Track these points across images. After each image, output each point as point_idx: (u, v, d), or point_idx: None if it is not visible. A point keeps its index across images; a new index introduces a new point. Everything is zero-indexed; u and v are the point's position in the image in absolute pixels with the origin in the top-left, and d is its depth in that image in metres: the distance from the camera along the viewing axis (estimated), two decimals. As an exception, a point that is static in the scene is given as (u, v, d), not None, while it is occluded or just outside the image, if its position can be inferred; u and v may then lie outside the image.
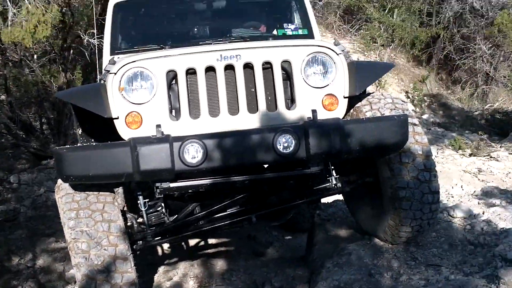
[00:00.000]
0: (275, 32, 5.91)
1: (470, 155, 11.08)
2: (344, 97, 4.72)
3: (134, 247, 4.90)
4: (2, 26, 9.03)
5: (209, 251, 6.73)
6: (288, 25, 5.93)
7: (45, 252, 7.16)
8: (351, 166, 5.28)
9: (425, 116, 17.31)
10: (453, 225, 5.85)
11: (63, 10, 10.16)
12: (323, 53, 4.68)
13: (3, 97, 11.06)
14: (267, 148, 4.25)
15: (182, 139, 4.19)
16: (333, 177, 4.99)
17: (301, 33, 5.85)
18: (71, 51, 11.34)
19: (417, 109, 17.51)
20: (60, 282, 6.47)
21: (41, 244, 7.38)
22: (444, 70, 21.06)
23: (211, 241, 6.90)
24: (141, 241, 5.01)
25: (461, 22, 19.83)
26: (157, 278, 5.99)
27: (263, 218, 5.40)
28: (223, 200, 5.11)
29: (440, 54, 20.40)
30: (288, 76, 4.69)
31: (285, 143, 4.25)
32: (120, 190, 5.10)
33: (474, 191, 7.89)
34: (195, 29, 6.04)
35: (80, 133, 5.13)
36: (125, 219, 4.94)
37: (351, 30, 20.48)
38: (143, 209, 4.77)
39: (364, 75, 4.84)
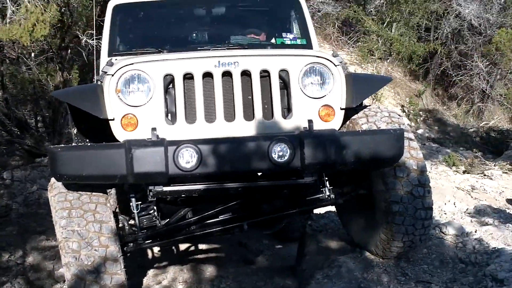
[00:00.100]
0: (273, 40, 5.93)
1: (464, 172, 11.12)
2: (341, 109, 4.73)
3: (125, 249, 4.88)
4: (0, 23, 9.02)
5: (199, 256, 6.70)
6: (286, 34, 5.95)
7: (35, 250, 7.13)
8: (345, 178, 5.27)
9: (420, 131, 17.36)
10: (445, 242, 5.85)
11: (62, 10, 10.15)
12: (321, 63, 4.70)
13: (-1, 93, 11.04)
14: (262, 156, 4.24)
15: (177, 143, 4.19)
16: (326, 188, 5.00)
17: (300, 43, 5.86)
18: (69, 50, 11.31)
19: (412, 124, 17.56)
20: (49, 281, 6.44)
21: (31, 242, 7.35)
22: (441, 86, 21.16)
23: (202, 246, 6.88)
24: (132, 244, 4.99)
25: (459, 39, 20.02)
26: (146, 281, 5.96)
27: (255, 226, 5.39)
28: (215, 206, 5.08)
29: (437, 69, 20.53)
30: (285, 85, 4.70)
31: (280, 152, 4.25)
32: (112, 191, 5.07)
33: (467, 209, 7.90)
34: (194, 35, 6.06)
35: (75, 132, 5.12)
36: (117, 221, 4.92)
37: (349, 42, 20.57)
38: (135, 211, 4.76)
39: (361, 88, 4.85)
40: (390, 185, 4.84)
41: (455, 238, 5.93)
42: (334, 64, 4.71)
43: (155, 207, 4.95)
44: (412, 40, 19.08)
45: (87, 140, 5.07)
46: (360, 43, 19.66)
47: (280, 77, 4.67)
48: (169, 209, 5.15)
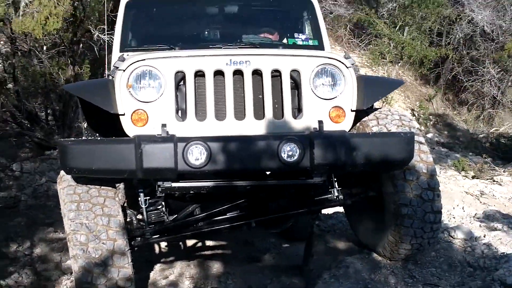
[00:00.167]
0: (285, 41, 5.93)
1: (473, 177, 11.07)
2: (352, 111, 4.75)
3: (132, 243, 4.88)
4: (13, 15, 9.06)
5: (206, 252, 6.70)
6: (298, 35, 5.96)
7: (43, 241, 7.16)
8: (355, 179, 5.26)
9: (429, 135, 17.31)
10: (453, 246, 5.83)
11: (75, 4, 10.21)
12: (333, 65, 4.72)
13: (10, 85, 11.06)
14: (272, 156, 4.25)
15: (187, 140, 4.20)
16: (335, 189, 4.97)
17: (312, 44, 5.87)
18: (81, 45, 11.36)
19: (422, 128, 17.51)
20: (56, 272, 6.46)
21: (39, 233, 7.38)
22: (451, 91, 21.08)
23: (209, 243, 6.88)
24: (139, 238, 4.99)
25: (471, 45, 19.94)
26: (153, 275, 5.97)
27: (263, 224, 5.40)
28: (224, 203, 5.09)
29: (448, 74, 20.44)
30: (296, 86, 4.72)
31: (289, 151, 4.26)
32: (121, 186, 5.08)
33: (476, 214, 7.87)
34: (206, 33, 6.08)
35: (85, 126, 5.13)
36: (125, 215, 4.95)
37: (360, 44, 20.50)
38: (143, 206, 4.76)
39: (372, 90, 4.87)
40: (400, 188, 4.83)
41: (463, 242, 5.90)
42: (346, 66, 4.73)
43: (163, 203, 4.95)
44: (424, 44, 18.99)
45: (97, 135, 5.09)
46: (371, 46, 19.59)
47: (291, 77, 4.68)
48: (177, 205, 5.15)
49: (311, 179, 4.60)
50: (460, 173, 11.18)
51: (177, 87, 4.60)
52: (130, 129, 4.54)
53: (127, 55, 4.99)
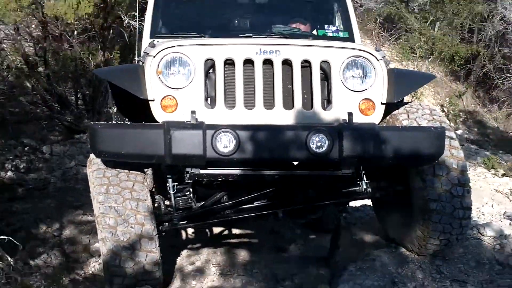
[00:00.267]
0: (315, 32, 5.89)
1: (503, 175, 10.92)
2: (382, 103, 4.72)
3: (160, 228, 4.91)
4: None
5: (233, 240, 6.71)
6: (329, 27, 5.93)
7: (72, 224, 7.24)
8: (383, 172, 5.22)
9: (459, 132, 17.13)
10: (482, 243, 5.75)
11: (106, -11, 10.28)
12: (364, 57, 4.70)
13: (41, 69, 11.19)
14: (300, 146, 4.24)
15: (216, 127, 4.20)
16: (363, 181, 4.94)
17: (342, 36, 5.82)
18: (111, 31, 11.44)
19: (452, 124, 17.30)
20: (85, 254, 6.54)
21: (68, 215, 7.47)
22: (482, 88, 20.81)
23: (235, 231, 6.89)
24: (167, 223, 5.02)
25: (503, 42, 19.63)
26: (179, 261, 6.00)
27: (290, 214, 5.40)
28: (251, 192, 5.09)
29: (479, 71, 20.18)
30: (326, 77, 4.70)
31: (318, 142, 4.23)
32: (149, 171, 5.11)
33: (505, 212, 7.74)
34: (236, 21, 6.05)
35: (114, 111, 5.17)
36: (153, 200, 4.97)
37: (390, 38, 20.39)
38: (171, 192, 4.78)
39: (403, 83, 4.84)
40: (429, 183, 4.78)
41: (493, 240, 5.82)
42: (377, 58, 4.70)
43: (191, 189, 4.98)
44: (455, 40, 18.84)
45: (126, 119, 5.12)
46: (401, 41, 19.47)
47: (321, 68, 4.66)
48: (205, 192, 5.17)
49: (340, 170, 4.58)
50: (489, 171, 11.04)
51: (207, 75, 4.61)
52: (160, 115, 4.55)
53: (157, 41, 5.00)
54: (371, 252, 5.46)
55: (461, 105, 19.05)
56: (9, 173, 8.96)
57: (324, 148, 4.24)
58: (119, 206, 4.59)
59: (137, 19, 8.72)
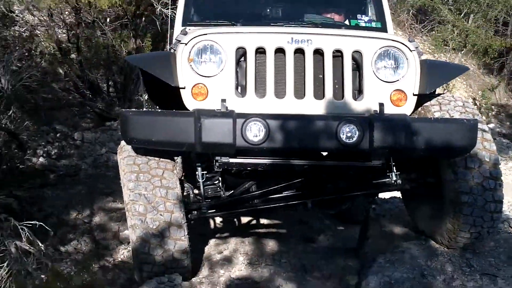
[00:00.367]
0: (347, 22, 5.84)
1: (535, 170, 10.76)
2: (414, 95, 4.68)
3: (189, 216, 4.94)
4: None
5: (261, 230, 6.73)
6: (361, 16, 5.87)
7: (102, 210, 7.33)
8: (414, 164, 5.16)
9: (491, 125, 16.89)
10: (514, 237, 5.68)
11: (139, -23, 10.33)
12: (396, 47, 4.65)
13: (73, 56, 11.29)
14: (330, 136, 4.21)
15: (246, 116, 4.19)
16: (393, 173, 4.89)
17: (374, 26, 5.77)
18: (143, 18, 11.49)
19: (484, 117, 17.04)
20: (114, 241, 6.63)
21: (98, 202, 7.56)
22: (515, 82, 20.49)
23: (263, 221, 6.91)
24: (195, 212, 5.04)
25: (538, 36, 19.30)
26: (207, 250, 6.03)
27: (318, 205, 5.37)
28: (280, 181, 5.08)
29: (513, 65, 19.87)
30: (357, 67, 4.67)
31: (348, 132, 4.20)
32: (179, 159, 5.13)
33: (536, 207, 7.66)
34: (268, 10, 6.03)
35: (145, 98, 5.19)
36: (182, 188, 4.98)
37: (422, 30, 20.15)
38: (200, 180, 4.79)
39: (436, 74, 4.79)
40: (460, 175, 4.71)
41: (524, 234, 5.75)
42: (409, 49, 4.66)
43: (220, 178, 4.99)
44: (489, 33, 18.59)
45: (157, 107, 5.14)
46: (434, 32, 19.24)
47: (353, 58, 4.64)
48: (234, 181, 5.18)
49: (370, 162, 4.55)
50: (521, 165, 10.92)
51: (238, 63, 4.60)
52: (190, 102, 4.56)
53: (189, 29, 4.99)
54: (400, 244, 5.42)
55: (494, 98, 18.80)
56: (41, 159, 9.08)
57: (354, 139, 4.20)
58: (149, 194, 4.61)
59: (169, 6, 8.77)
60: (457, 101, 4.98)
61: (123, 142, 4.83)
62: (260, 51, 4.58)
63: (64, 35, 11.42)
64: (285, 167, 4.65)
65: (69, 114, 11.08)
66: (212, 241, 6.26)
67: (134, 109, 4.84)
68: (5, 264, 5.40)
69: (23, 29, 10.88)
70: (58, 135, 10.02)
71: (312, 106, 4.54)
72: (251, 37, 4.59)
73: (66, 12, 11.27)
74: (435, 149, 4.39)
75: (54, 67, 11.08)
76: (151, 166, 4.74)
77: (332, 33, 4.72)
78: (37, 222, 5.71)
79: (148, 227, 4.59)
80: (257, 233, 6.52)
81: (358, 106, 4.58)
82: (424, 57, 5.02)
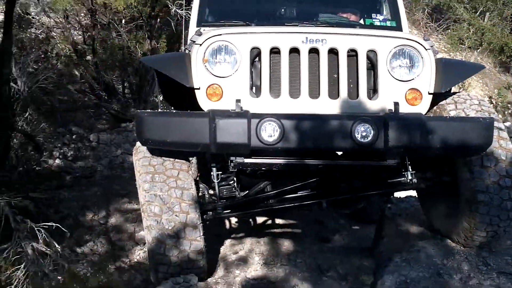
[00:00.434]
0: (362, 21, 5.83)
1: (551, 167, 10.64)
2: (429, 93, 4.66)
3: (204, 217, 4.94)
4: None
5: (276, 230, 6.72)
6: (376, 16, 5.86)
7: (117, 212, 7.35)
8: (429, 163, 5.14)
9: (507, 124, 16.71)
10: (531, 235, 5.64)
11: (154, -22, 10.38)
12: (411, 46, 4.64)
13: (89, 57, 11.36)
14: (345, 135, 4.21)
15: (261, 116, 4.19)
16: (409, 172, 4.88)
17: (389, 25, 5.75)
18: (158, 19, 11.55)
19: (500, 116, 16.97)
20: (130, 242, 6.64)
21: (114, 203, 7.58)
22: (532, 80, 20.31)
23: (278, 221, 6.90)
24: (211, 212, 5.04)
25: (554, 34, 19.12)
26: (223, 250, 6.03)
27: (333, 204, 5.36)
28: (295, 181, 5.08)
29: (529, 63, 19.72)
30: (372, 66, 4.66)
31: (363, 132, 4.20)
32: (194, 160, 5.14)
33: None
34: (282, 10, 6.04)
35: (160, 99, 5.21)
36: (198, 189, 4.99)
37: (438, 29, 20.03)
38: (215, 181, 4.80)
39: (451, 73, 4.76)
40: (476, 174, 4.70)
41: (541, 233, 5.70)
42: (425, 48, 4.64)
43: (235, 178, 4.99)
44: (505, 31, 18.51)
45: (172, 108, 5.16)
46: (450, 31, 19.14)
47: (368, 57, 4.62)
48: (249, 181, 5.18)
49: (385, 161, 4.53)
50: (538, 165, 10.77)
51: (252, 63, 4.61)
52: (205, 103, 4.58)
53: (204, 30, 5.01)
54: (416, 243, 5.41)
55: (510, 97, 18.65)
56: (57, 161, 9.15)
57: (369, 138, 4.20)
58: (164, 194, 4.62)
59: (184, 7, 8.79)
60: (472, 99, 4.98)
61: (138, 143, 4.86)
62: (275, 51, 4.59)
63: (80, 36, 11.50)
64: (300, 167, 4.64)
65: (85, 116, 11.15)
66: (227, 242, 6.26)
67: (149, 110, 4.85)
68: (22, 266, 5.45)
69: (39, 31, 10.99)
70: (74, 136, 10.09)
71: (327, 106, 4.53)
72: (265, 37, 4.59)
73: (82, 14, 11.36)
74: (451, 148, 4.37)
75: (70, 69, 11.17)
76: (167, 167, 4.75)
77: (347, 33, 4.72)
78: (53, 224, 5.76)
79: (163, 228, 4.60)
80: (273, 233, 6.51)
81: (373, 106, 4.58)
82: (439, 55, 5.00)
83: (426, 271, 4.90)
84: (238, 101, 4.38)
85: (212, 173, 4.79)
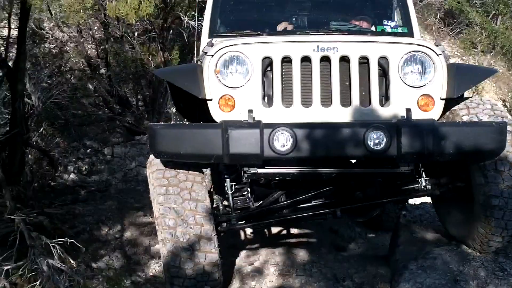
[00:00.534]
0: (373, 28, 5.82)
1: None
2: (441, 99, 4.63)
3: (219, 228, 4.94)
4: (107, 0, 9.33)
5: (291, 240, 6.70)
6: (387, 22, 5.86)
7: (132, 225, 7.35)
8: (443, 169, 5.12)
9: (521, 127, 16.64)
10: (547, 240, 5.58)
11: (166, -10, 10.44)
12: (423, 52, 4.61)
13: (103, 71, 11.43)
14: (358, 143, 4.20)
15: (273, 126, 4.19)
16: (423, 178, 4.88)
17: (401, 31, 5.75)
18: (171, 31, 11.62)
19: (514, 120, 16.84)
20: (146, 256, 6.63)
21: (129, 217, 7.58)
22: (546, 83, 20.17)
23: (293, 230, 6.88)
24: (225, 224, 5.04)
25: None
26: (238, 261, 6.02)
27: (348, 213, 5.36)
28: (309, 191, 5.07)
29: (542, 66, 19.59)
30: (384, 73, 4.63)
31: (376, 139, 4.19)
32: (207, 171, 5.15)
33: None
34: (293, 19, 6.04)
35: (174, 111, 5.23)
36: (212, 200, 4.97)
37: (450, 33, 19.99)
38: (229, 192, 4.80)
39: (464, 78, 4.73)
40: (490, 179, 4.67)
41: (557, 237, 5.64)
42: (436, 53, 4.61)
43: (249, 189, 4.99)
44: (518, 34, 18.36)
45: (185, 120, 5.17)
46: (462, 35, 19.09)
47: (379, 64, 4.61)
48: (262, 192, 5.18)
49: (398, 168, 4.51)
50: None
51: (264, 73, 4.61)
52: (217, 114, 4.58)
53: (216, 40, 5.02)
54: (432, 250, 5.38)
55: (524, 100, 18.55)
56: (72, 176, 9.19)
57: (382, 145, 4.19)
58: (178, 207, 4.61)
59: (196, 19, 8.83)
60: (485, 104, 4.94)
61: (152, 156, 4.86)
62: (286, 60, 4.58)
63: (93, 50, 11.59)
64: (314, 176, 4.64)
65: (99, 129, 11.20)
66: (242, 253, 6.25)
67: (161, 123, 4.87)
68: (38, 283, 5.44)
69: (53, 45, 11.07)
70: (88, 150, 10.14)
71: (339, 114, 4.52)
72: (276, 46, 4.59)
73: (95, 28, 11.44)
74: (464, 153, 4.35)
75: (83, 82, 11.25)
76: (180, 179, 4.74)
77: (358, 40, 4.71)
78: (68, 240, 5.76)
79: (178, 241, 4.59)
80: (287, 243, 6.49)
81: (385, 112, 4.56)
82: (452, 60, 4.98)
83: (443, 278, 4.88)
84: (250, 111, 4.36)
85: (225, 184, 4.79)
